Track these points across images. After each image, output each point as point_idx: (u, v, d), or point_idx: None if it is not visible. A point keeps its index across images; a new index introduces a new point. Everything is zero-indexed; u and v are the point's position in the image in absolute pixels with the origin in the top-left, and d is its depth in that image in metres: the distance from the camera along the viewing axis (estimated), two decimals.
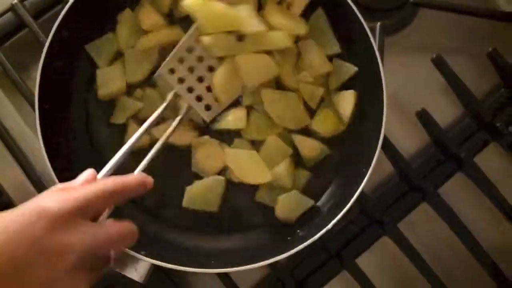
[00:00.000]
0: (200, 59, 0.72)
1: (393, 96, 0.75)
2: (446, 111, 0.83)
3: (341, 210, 0.66)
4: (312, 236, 0.66)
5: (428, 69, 0.80)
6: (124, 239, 0.54)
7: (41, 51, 0.69)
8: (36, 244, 0.46)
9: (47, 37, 0.69)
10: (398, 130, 0.80)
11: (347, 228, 0.76)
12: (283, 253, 0.65)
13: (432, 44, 0.85)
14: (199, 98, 0.73)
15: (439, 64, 0.79)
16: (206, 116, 0.73)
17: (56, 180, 0.65)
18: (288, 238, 0.70)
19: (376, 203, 0.77)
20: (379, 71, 0.69)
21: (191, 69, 0.73)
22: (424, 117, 0.79)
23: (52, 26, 0.69)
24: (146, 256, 0.64)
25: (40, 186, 0.75)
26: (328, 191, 0.75)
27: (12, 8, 0.78)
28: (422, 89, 0.83)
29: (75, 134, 0.74)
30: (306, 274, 0.75)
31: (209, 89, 0.73)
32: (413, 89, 0.83)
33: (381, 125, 0.68)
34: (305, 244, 0.65)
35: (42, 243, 0.46)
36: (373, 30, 0.74)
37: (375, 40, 0.71)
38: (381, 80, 0.69)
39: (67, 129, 0.74)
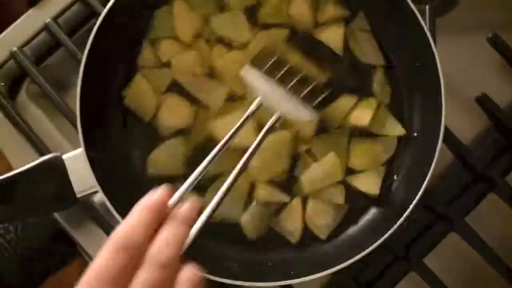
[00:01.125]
0: None
1: (448, 82, 0.71)
2: (505, 93, 0.77)
3: (406, 210, 0.62)
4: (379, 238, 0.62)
5: (484, 49, 0.75)
6: None
7: (78, 68, 0.66)
8: None
9: (83, 54, 0.67)
10: (456, 118, 0.75)
11: (411, 226, 0.72)
12: (348, 260, 0.62)
13: (486, 22, 0.79)
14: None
15: (496, 42, 0.74)
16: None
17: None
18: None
19: (440, 197, 0.72)
20: (435, 59, 0.65)
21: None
22: (484, 102, 0.74)
23: (87, 42, 0.67)
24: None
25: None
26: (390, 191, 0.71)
27: (46, 28, 0.76)
28: (479, 71, 0.78)
29: (114, 148, 0.71)
30: (372, 278, 0.71)
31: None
32: (469, 72, 0.78)
33: (441, 117, 0.64)
34: (371, 248, 0.62)
35: None
36: (422, 13, 0.69)
37: (425, 24, 0.66)
38: (437, 69, 0.65)
39: (107, 142, 0.70)
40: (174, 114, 0.71)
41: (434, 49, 0.66)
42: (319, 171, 0.69)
